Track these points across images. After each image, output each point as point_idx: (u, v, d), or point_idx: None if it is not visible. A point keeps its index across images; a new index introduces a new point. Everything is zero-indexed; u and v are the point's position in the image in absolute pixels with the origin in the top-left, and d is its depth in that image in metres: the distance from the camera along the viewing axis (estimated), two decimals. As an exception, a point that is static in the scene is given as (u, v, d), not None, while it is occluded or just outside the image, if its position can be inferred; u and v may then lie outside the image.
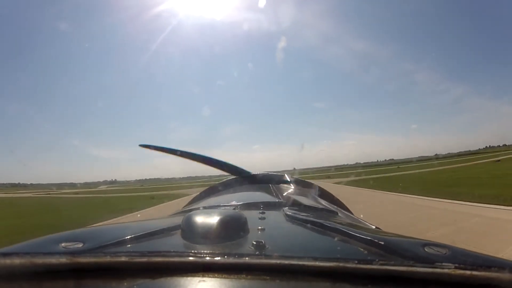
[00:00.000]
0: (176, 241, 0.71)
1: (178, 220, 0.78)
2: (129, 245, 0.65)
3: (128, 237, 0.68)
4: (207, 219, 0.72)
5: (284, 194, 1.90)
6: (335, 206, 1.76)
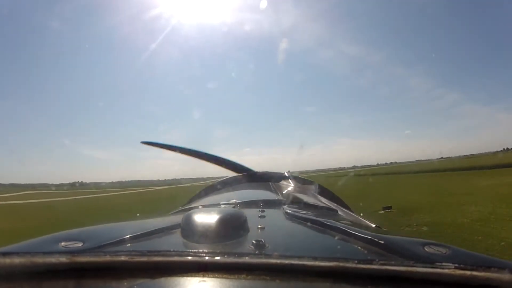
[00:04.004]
0: (176, 240, 0.71)
1: (178, 218, 0.78)
2: (129, 244, 0.65)
3: (128, 236, 0.67)
4: (207, 218, 0.72)
5: (284, 192, 1.90)
6: (335, 204, 1.76)
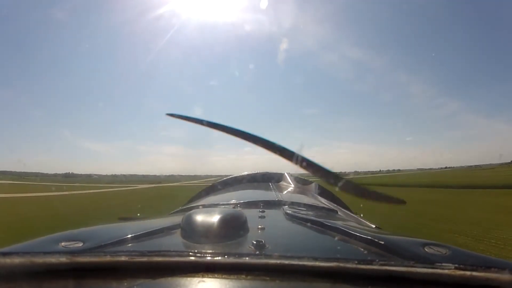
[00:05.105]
0: (176, 240, 0.71)
1: (178, 219, 0.78)
2: (129, 245, 0.65)
3: (128, 236, 0.68)
4: (207, 218, 0.72)
5: (284, 193, 1.90)
6: (335, 205, 1.76)
